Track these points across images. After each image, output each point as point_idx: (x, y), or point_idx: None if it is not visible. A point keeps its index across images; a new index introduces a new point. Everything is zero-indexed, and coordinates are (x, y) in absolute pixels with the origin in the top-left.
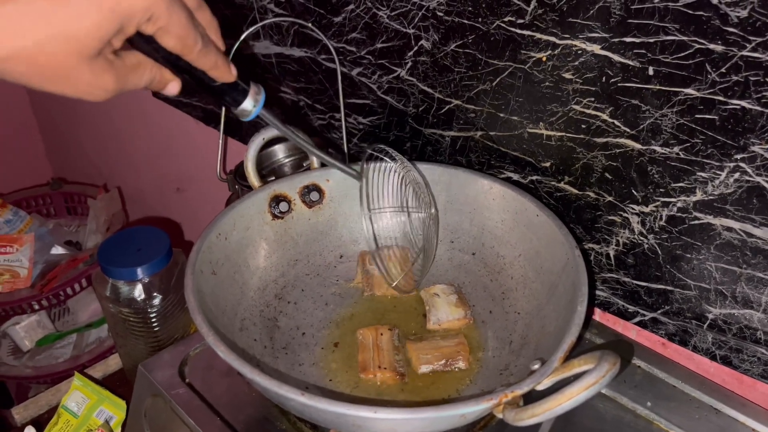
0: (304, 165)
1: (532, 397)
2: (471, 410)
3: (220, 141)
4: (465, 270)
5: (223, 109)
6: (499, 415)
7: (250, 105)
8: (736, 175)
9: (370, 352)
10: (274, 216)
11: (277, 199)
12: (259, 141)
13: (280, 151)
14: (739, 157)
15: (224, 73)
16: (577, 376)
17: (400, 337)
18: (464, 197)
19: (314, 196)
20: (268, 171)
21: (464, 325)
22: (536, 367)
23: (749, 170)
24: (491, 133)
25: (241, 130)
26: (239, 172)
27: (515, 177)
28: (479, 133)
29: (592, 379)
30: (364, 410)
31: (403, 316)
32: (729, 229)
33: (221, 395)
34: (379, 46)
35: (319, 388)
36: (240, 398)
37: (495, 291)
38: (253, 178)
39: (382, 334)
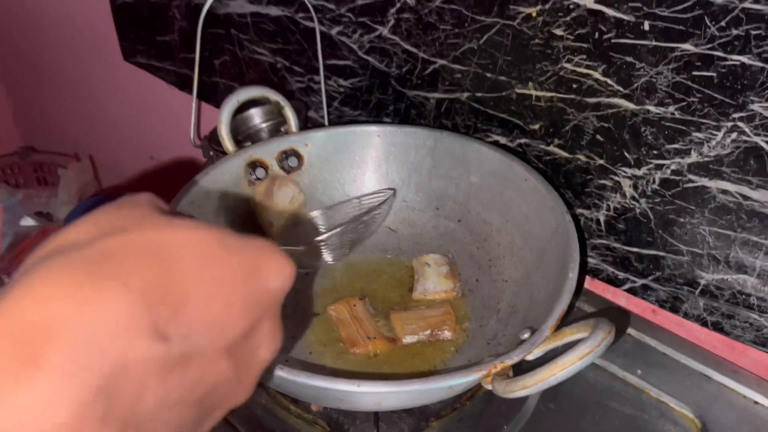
0: (282, 129)
1: (522, 368)
2: (459, 382)
3: (194, 105)
4: (450, 238)
5: (196, 72)
6: (488, 387)
7: None
8: (734, 135)
9: (351, 326)
10: (251, 183)
11: (253, 165)
12: (233, 103)
13: (256, 116)
14: (737, 116)
15: None
16: (568, 345)
17: (372, 304)
18: (450, 162)
19: (293, 161)
20: (244, 136)
21: (451, 297)
22: (526, 336)
23: (747, 130)
24: (478, 95)
25: (216, 95)
26: (214, 138)
27: (503, 140)
28: (465, 94)
29: (586, 349)
30: (346, 384)
31: (386, 286)
32: (724, 191)
33: None
34: (359, 2)
35: (300, 361)
36: None
37: (482, 259)
38: (227, 143)
39: (354, 305)
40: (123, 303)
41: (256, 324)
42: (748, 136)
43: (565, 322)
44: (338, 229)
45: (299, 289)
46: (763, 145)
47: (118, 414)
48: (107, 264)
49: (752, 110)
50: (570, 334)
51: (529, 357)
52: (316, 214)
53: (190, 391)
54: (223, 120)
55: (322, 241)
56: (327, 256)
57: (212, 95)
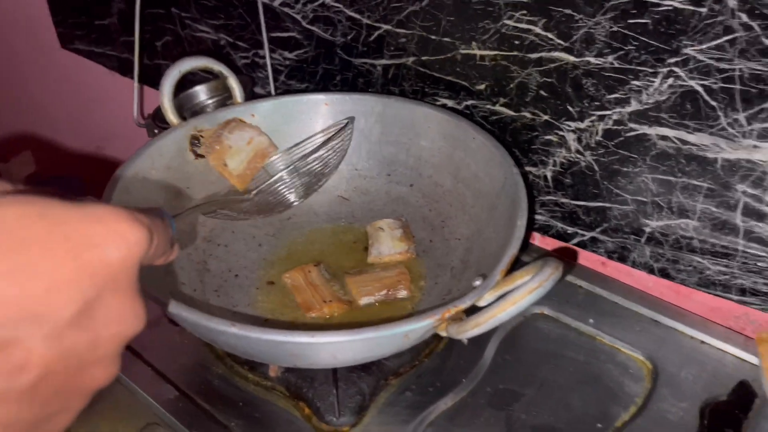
0: (228, 104)
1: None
2: (413, 327)
3: (135, 83)
4: (403, 202)
5: (137, 49)
6: (443, 333)
7: None
8: (670, 80)
9: (307, 292)
10: (197, 155)
11: (198, 137)
12: (175, 74)
13: (202, 93)
14: (672, 61)
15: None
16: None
17: (328, 270)
18: (399, 128)
19: None
20: (189, 114)
21: (406, 259)
22: (478, 283)
23: (682, 74)
24: (423, 58)
25: (160, 77)
26: (159, 116)
27: (450, 103)
28: (411, 59)
29: (534, 284)
30: (301, 336)
31: (341, 253)
32: (664, 137)
33: (150, 346)
34: None
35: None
36: (171, 347)
37: (434, 220)
38: (170, 114)
39: (310, 272)
40: None
41: (95, 300)
42: (684, 80)
43: None
44: (289, 169)
45: (253, 258)
46: (698, 88)
47: None
48: None
49: (686, 54)
50: (520, 278)
51: (482, 303)
52: (275, 159)
53: (8, 383)
54: (165, 92)
55: (275, 183)
56: (290, 196)
57: (156, 78)
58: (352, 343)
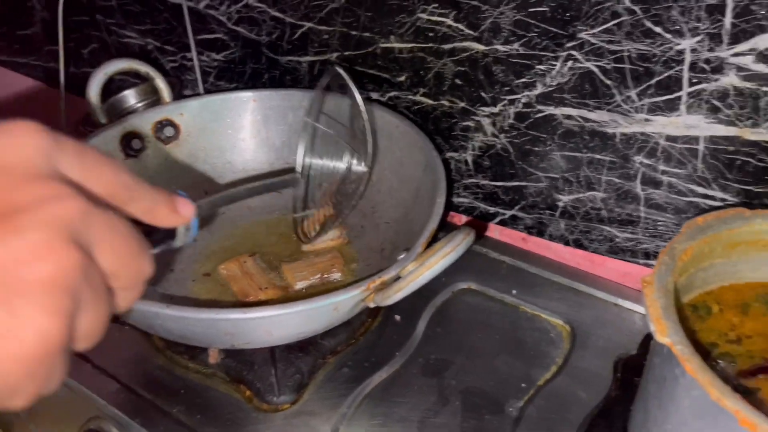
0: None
1: None
2: (342, 298)
3: (62, 93)
4: None
5: (62, 62)
6: (372, 304)
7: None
8: (569, 63)
9: (243, 280)
10: (128, 155)
11: (128, 137)
12: (101, 76)
13: (131, 97)
14: (570, 45)
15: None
16: None
17: (263, 259)
18: (327, 121)
19: (169, 131)
20: (120, 118)
21: (338, 244)
22: (402, 257)
23: (580, 57)
24: (346, 53)
25: None
26: (88, 122)
27: (375, 96)
28: (335, 54)
29: (448, 249)
30: (235, 313)
31: (276, 244)
32: (568, 116)
33: None
34: None
35: None
36: (110, 342)
37: (365, 207)
38: (99, 115)
39: (245, 262)
40: None
41: None
42: (581, 62)
43: None
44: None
45: (188, 253)
46: (594, 69)
47: None
48: None
49: (581, 38)
50: (440, 248)
51: (404, 273)
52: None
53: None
54: (92, 93)
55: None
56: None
57: (83, 86)
58: (284, 317)
